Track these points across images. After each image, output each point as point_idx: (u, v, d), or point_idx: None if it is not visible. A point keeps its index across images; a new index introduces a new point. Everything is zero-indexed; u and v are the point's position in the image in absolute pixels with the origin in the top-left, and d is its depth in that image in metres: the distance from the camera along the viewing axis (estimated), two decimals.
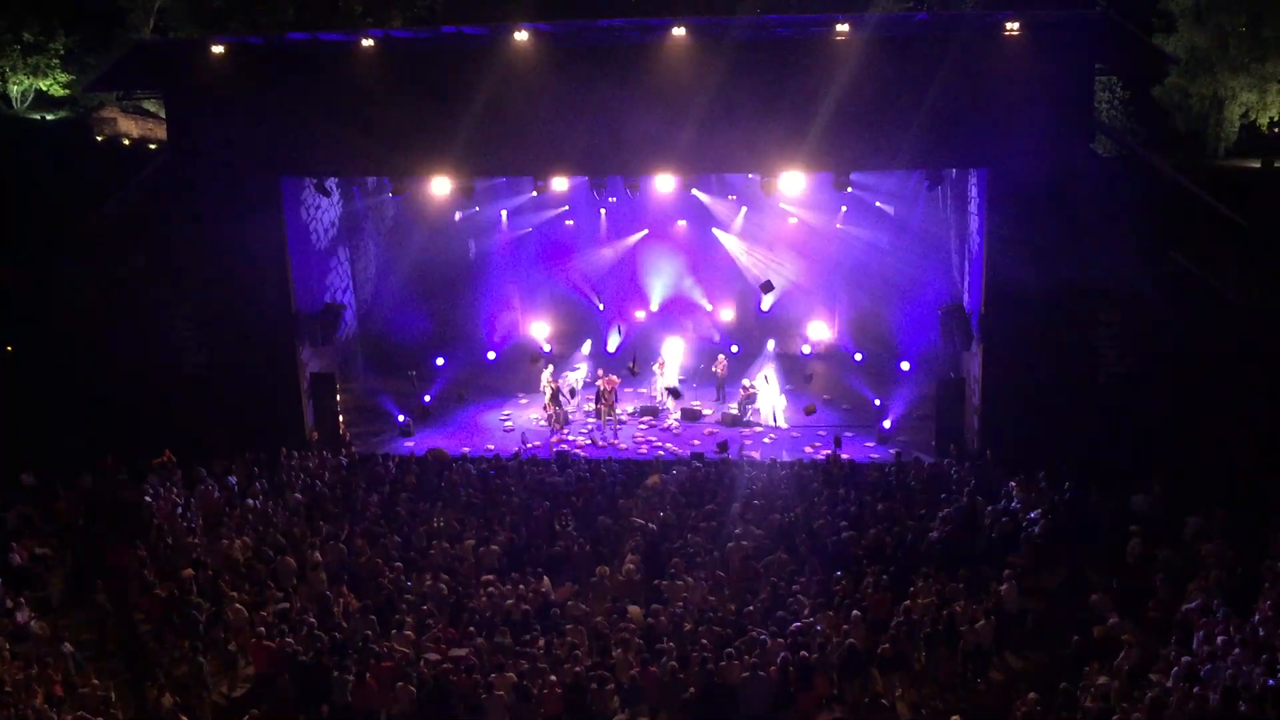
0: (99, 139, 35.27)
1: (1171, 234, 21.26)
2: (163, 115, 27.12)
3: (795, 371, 29.47)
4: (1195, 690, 12.72)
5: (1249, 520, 17.50)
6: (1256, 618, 14.45)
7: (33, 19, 35.82)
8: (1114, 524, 18.59)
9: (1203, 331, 21.12)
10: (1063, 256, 21.42)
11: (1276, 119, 29.58)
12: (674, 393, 27.07)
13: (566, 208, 30.40)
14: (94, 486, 21.17)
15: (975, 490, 20.20)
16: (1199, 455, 20.06)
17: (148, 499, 20.39)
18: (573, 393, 27.66)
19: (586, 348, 31.05)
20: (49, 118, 37.46)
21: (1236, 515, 17.59)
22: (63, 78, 37.18)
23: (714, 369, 28.26)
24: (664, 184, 23.75)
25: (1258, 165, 29.79)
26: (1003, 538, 18.67)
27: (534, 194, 25.98)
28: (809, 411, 25.73)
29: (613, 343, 31.25)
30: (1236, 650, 13.51)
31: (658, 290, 31.59)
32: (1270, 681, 11.35)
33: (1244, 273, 21.24)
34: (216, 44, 22.66)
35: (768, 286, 28.68)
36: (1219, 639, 14.04)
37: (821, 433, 25.48)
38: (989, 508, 19.53)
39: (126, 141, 35.72)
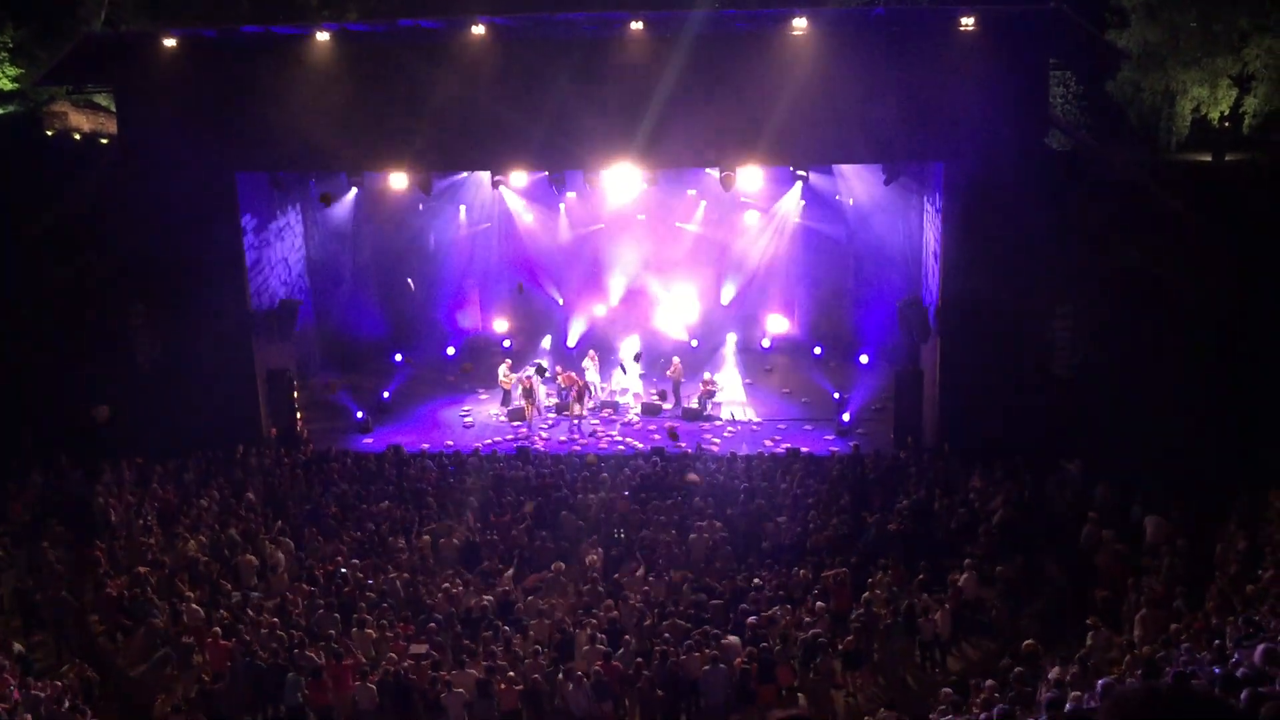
0: (50, 133, 34.64)
1: (1124, 227, 21.50)
2: (114, 110, 26.64)
3: (755, 365, 29.57)
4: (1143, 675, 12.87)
5: (1202, 509, 17.76)
6: (1209, 604, 14.68)
7: None
8: (1070, 514, 18.82)
9: (1155, 324, 21.40)
10: (1018, 250, 21.61)
11: (1227, 113, 29.95)
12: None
13: (524, 203, 30.24)
14: (46, 485, 20.86)
15: (933, 482, 20.38)
16: (1152, 446, 20.33)
17: (101, 498, 20.12)
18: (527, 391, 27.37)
19: (546, 343, 30.92)
20: None
21: (1190, 505, 17.85)
22: (12, 71, 36.34)
23: (668, 372, 27.48)
24: (623, 178, 23.71)
25: (1209, 159, 30.18)
26: (960, 529, 18.85)
27: (493, 188, 25.86)
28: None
29: (573, 337, 31.15)
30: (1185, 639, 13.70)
31: (617, 284, 31.48)
32: (1217, 670, 11.53)
33: (1195, 266, 21.50)
34: (168, 37, 22.34)
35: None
36: (1172, 626, 14.24)
37: (781, 426, 25.60)
38: (947, 499, 19.71)
39: (78, 136, 35.11)
